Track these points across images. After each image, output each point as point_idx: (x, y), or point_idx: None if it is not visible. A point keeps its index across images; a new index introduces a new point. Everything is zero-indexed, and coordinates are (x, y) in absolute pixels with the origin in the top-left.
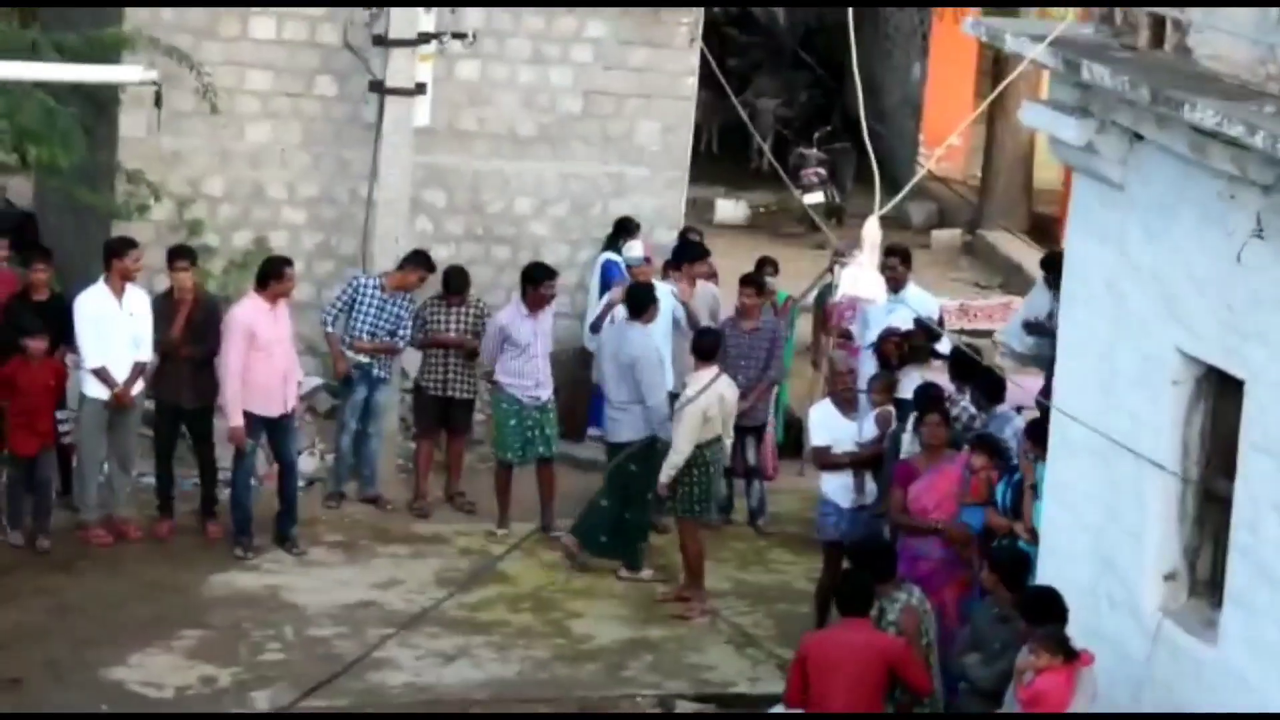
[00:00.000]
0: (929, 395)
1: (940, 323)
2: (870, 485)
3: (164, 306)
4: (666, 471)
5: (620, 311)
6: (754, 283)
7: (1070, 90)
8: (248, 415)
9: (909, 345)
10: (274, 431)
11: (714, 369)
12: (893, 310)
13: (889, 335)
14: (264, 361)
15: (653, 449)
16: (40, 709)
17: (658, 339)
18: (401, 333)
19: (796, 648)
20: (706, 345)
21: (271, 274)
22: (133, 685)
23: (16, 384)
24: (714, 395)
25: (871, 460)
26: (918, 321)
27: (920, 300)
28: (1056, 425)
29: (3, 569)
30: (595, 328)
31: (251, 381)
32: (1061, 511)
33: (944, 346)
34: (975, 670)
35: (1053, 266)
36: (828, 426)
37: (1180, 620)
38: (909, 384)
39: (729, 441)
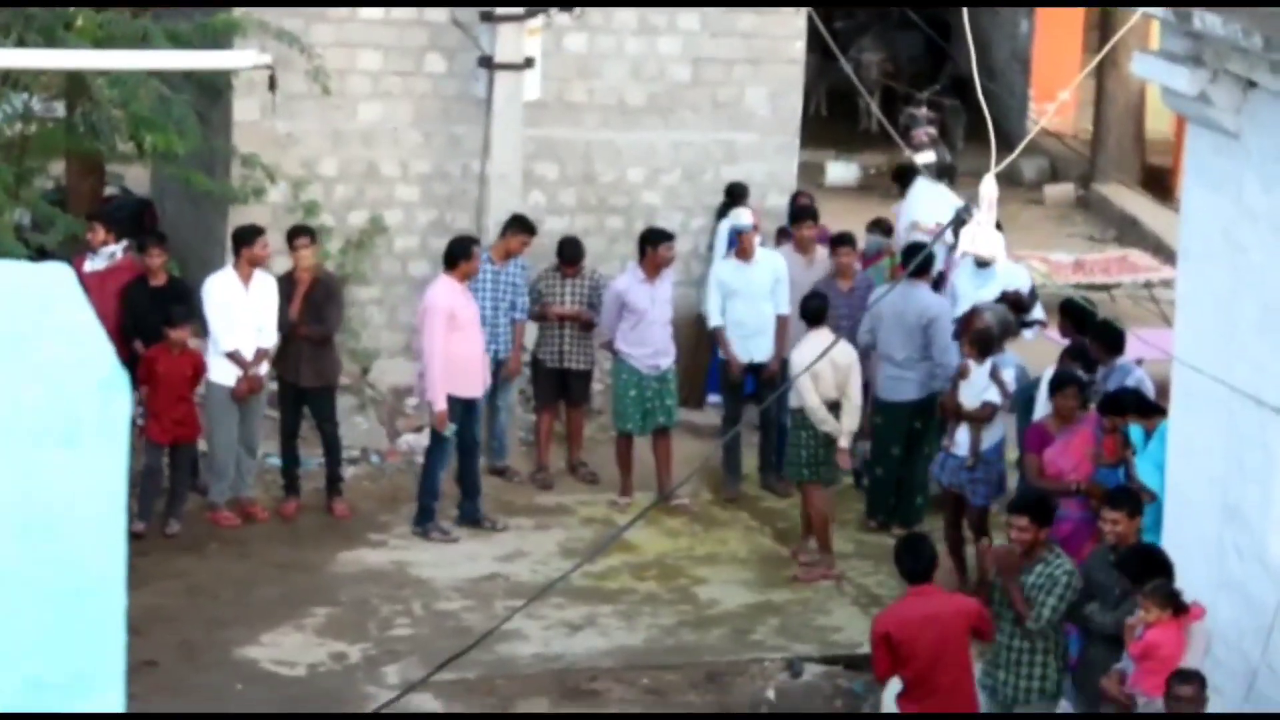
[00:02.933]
0: (1061, 368)
1: (1032, 295)
2: (961, 436)
3: (284, 286)
4: (844, 431)
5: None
6: (847, 240)
7: (1181, 39)
8: (450, 398)
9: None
10: (466, 413)
11: (823, 331)
12: (982, 285)
13: (974, 312)
14: (464, 343)
15: (934, 405)
16: (176, 690)
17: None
18: (520, 302)
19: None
20: (813, 309)
21: (460, 253)
22: (265, 664)
23: (156, 372)
24: (824, 359)
25: (954, 410)
26: (1004, 296)
27: (1010, 273)
28: (1178, 377)
29: (135, 553)
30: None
31: (454, 364)
32: (1186, 463)
33: (1038, 314)
34: (1098, 618)
35: (900, 177)
36: None
37: None
38: (1004, 366)
39: (854, 404)
